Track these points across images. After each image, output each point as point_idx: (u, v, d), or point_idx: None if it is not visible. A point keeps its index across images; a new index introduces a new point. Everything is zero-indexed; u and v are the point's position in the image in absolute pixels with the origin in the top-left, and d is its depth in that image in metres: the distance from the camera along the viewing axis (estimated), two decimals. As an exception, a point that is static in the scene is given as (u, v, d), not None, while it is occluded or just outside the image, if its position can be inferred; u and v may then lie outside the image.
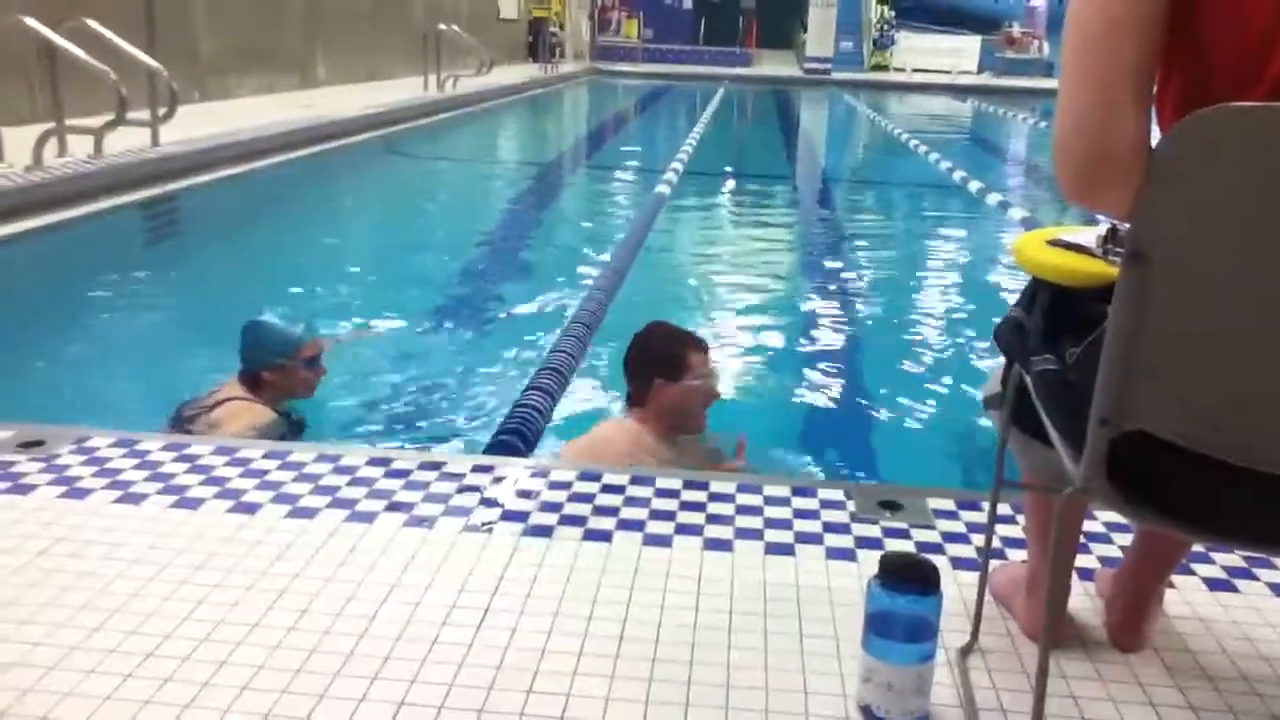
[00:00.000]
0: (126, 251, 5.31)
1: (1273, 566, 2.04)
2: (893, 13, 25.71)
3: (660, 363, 2.84)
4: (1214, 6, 1.19)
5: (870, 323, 4.46)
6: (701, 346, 2.94)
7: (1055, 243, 1.50)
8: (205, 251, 5.04)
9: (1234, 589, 1.97)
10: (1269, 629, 1.84)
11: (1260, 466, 1.20)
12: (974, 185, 8.27)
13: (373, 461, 2.39)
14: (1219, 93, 1.18)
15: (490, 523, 2.12)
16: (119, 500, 2.17)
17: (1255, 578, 2.01)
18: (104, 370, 3.67)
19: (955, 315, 4.51)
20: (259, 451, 2.43)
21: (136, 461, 2.35)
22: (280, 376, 3.10)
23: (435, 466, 2.37)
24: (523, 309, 4.49)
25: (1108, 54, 1.21)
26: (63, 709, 1.50)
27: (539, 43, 21.26)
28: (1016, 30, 27.41)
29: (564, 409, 3.33)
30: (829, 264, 5.49)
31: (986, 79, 24.22)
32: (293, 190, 7.43)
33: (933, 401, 3.43)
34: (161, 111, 6.78)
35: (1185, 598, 1.93)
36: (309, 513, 2.14)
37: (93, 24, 6.65)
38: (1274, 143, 1.09)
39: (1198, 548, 2.03)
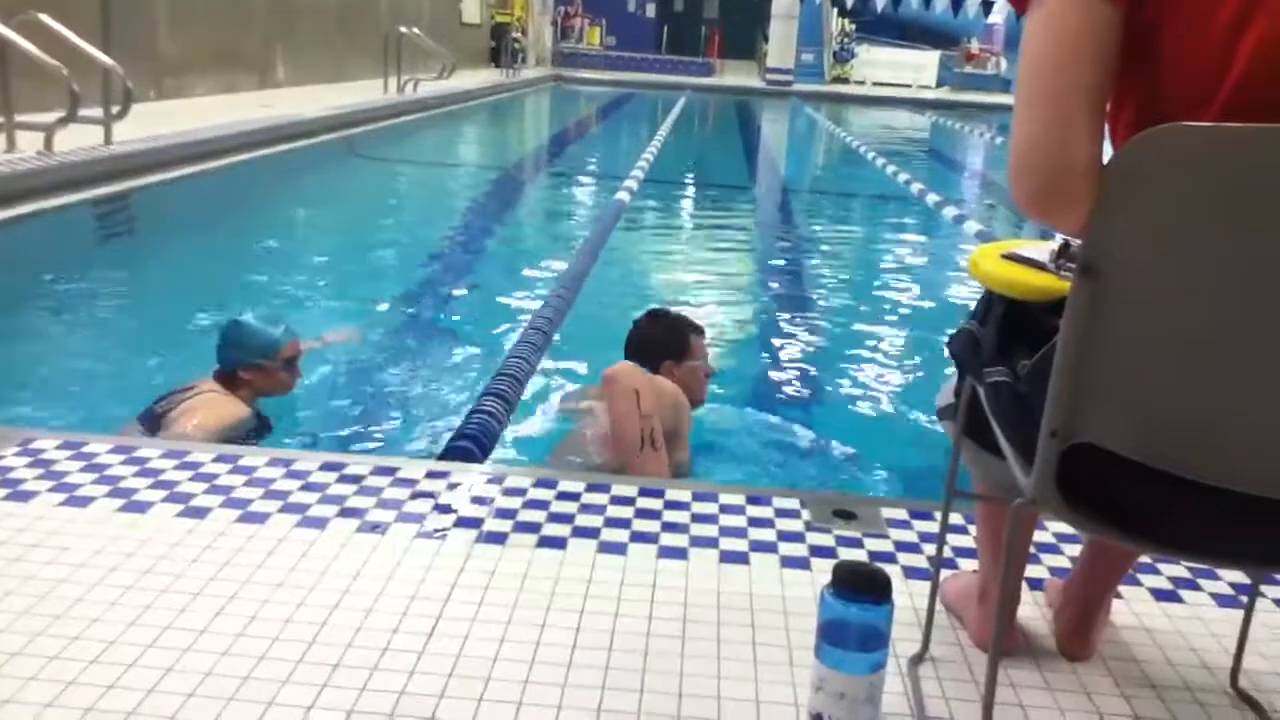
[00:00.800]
0: (75, 250, 5.22)
1: (1216, 578, 2.08)
2: (853, 26, 25.96)
3: (667, 348, 3.16)
4: (1170, 34, 1.22)
5: (826, 332, 4.49)
6: (700, 330, 3.29)
7: (1010, 256, 1.51)
8: (155, 252, 4.97)
9: (1179, 600, 2.00)
10: (1212, 639, 1.87)
11: (1207, 480, 1.22)
12: (931, 198, 8.36)
13: (325, 466, 2.36)
14: (1171, 113, 1.20)
15: (444, 529, 2.11)
16: (65, 503, 2.13)
17: (1199, 589, 2.04)
18: (51, 371, 3.61)
19: (910, 326, 4.55)
20: (209, 455, 2.40)
21: (83, 464, 2.31)
22: (258, 376, 3.12)
23: (389, 472, 2.35)
24: (479, 314, 4.47)
25: (1062, 75, 1.23)
26: (3, 715, 1.47)
27: (501, 48, 21.21)
28: (975, 46, 27.79)
29: (520, 416, 3.31)
30: (786, 273, 5.52)
31: (945, 94, 24.53)
32: (248, 191, 7.35)
33: (887, 412, 3.45)
34: (115, 109, 6.68)
35: (1132, 608, 1.95)
36: (259, 518, 2.11)
37: (45, 19, 6.54)
38: (1223, 162, 1.12)
39: (1145, 559, 2.06)
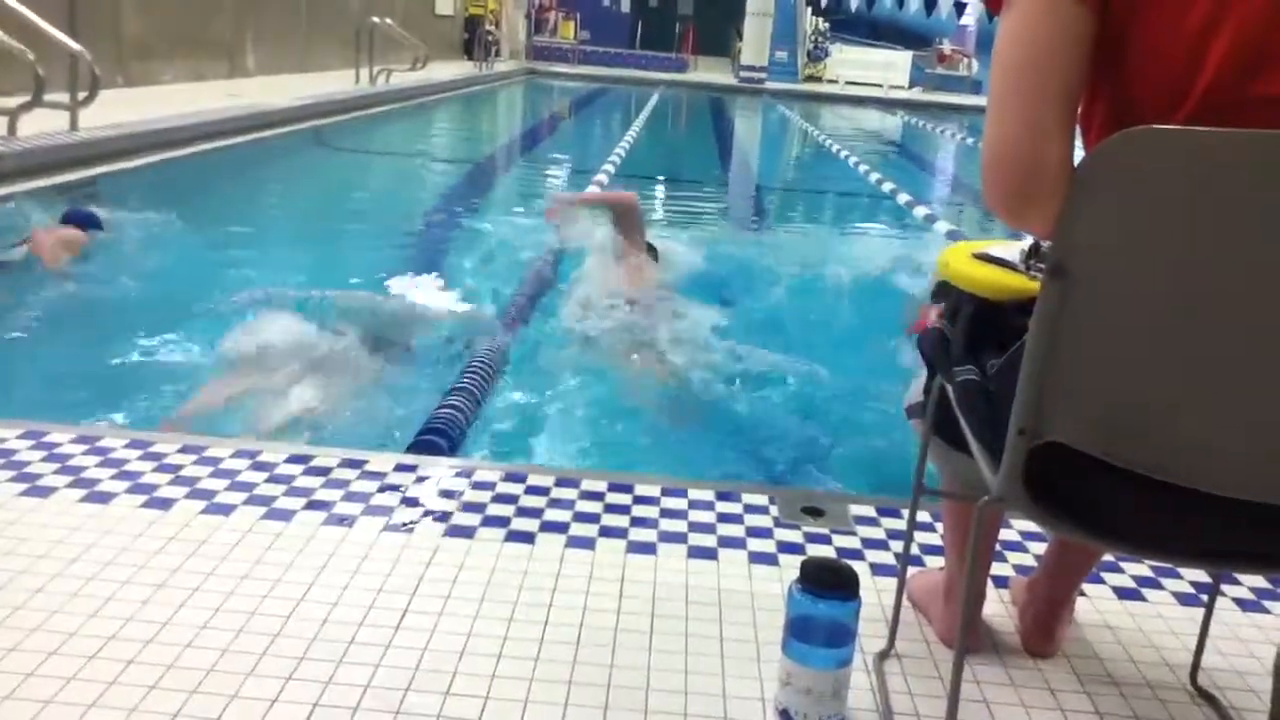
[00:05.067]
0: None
1: (1179, 577, 2.10)
2: (827, 25, 26.04)
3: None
4: (1140, 36, 1.23)
5: (796, 329, 4.49)
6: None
7: (980, 256, 1.52)
8: (118, 240, 4.91)
9: (1142, 598, 2.02)
10: (1173, 637, 1.89)
11: (1172, 479, 1.23)
12: (902, 197, 8.40)
13: (292, 459, 2.34)
14: (1143, 114, 1.21)
15: (411, 522, 2.10)
16: (24, 494, 2.10)
17: (1162, 587, 2.06)
18: (14, 358, 3.55)
19: (879, 323, 4.57)
20: (174, 446, 2.37)
21: (44, 454, 2.28)
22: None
23: (357, 464, 2.34)
24: (448, 307, 4.45)
25: (1033, 77, 1.24)
26: (-42, 708, 1.45)
27: (475, 40, 21.12)
28: (947, 47, 27.94)
29: (488, 409, 3.30)
30: (756, 269, 5.53)
31: (917, 94, 24.65)
32: (215, 181, 7.27)
33: (856, 408, 3.47)
34: (82, 95, 6.59)
35: (1096, 606, 1.97)
36: (224, 509, 2.09)
37: (10, 1, 6.44)
38: (1192, 165, 1.13)
39: (1108, 557, 2.09)
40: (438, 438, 2.84)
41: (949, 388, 1.49)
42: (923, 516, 2.19)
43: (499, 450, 3.10)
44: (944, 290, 1.57)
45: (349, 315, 3.89)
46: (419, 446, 2.77)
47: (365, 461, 2.36)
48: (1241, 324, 1.16)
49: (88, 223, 4.81)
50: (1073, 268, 1.19)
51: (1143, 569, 2.12)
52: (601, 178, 7.96)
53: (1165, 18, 1.21)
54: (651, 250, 4.86)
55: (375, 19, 13.40)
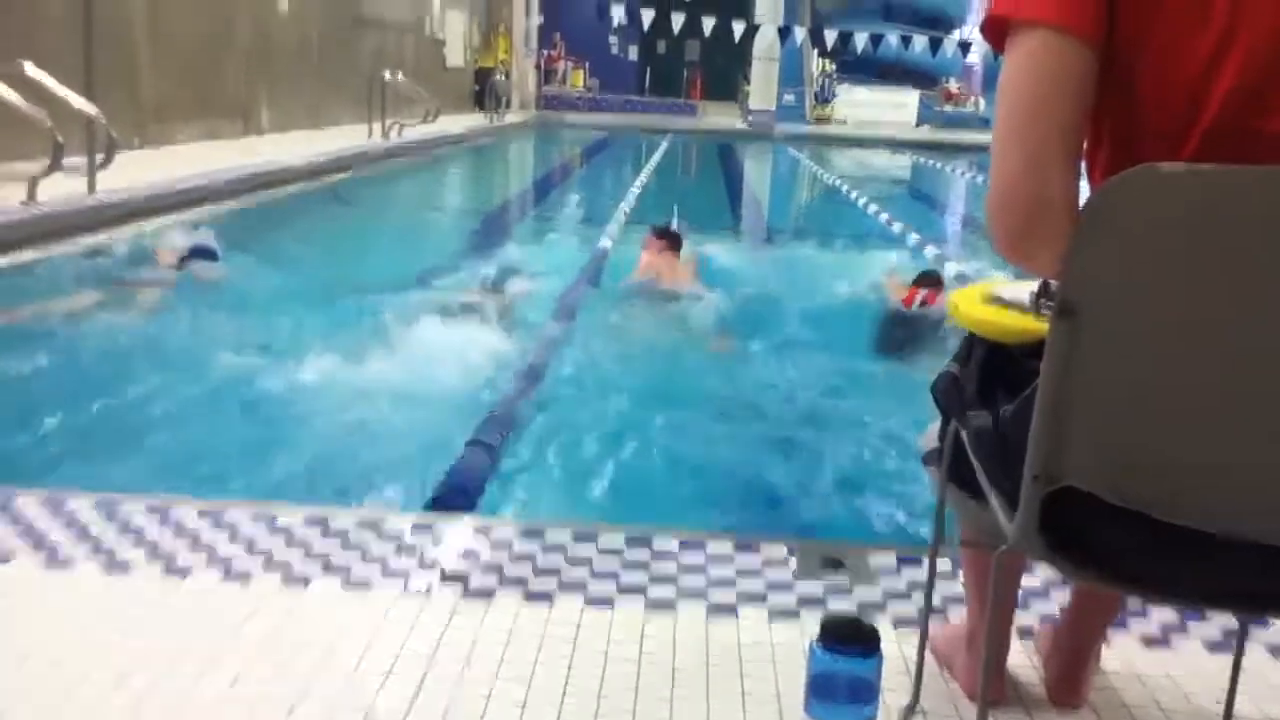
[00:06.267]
0: (61, 300, 5.19)
1: (1206, 622, 2.07)
2: (834, 67, 26.22)
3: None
4: (1144, 74, 1.23)
5: (810, 374, 4.49)
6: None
7: (990, 299, 1.52)
8: (138, 301, 4.96)
9: (1169, 646, 1.99)
10: (1203, 685, 1.86)
11: (1190, 523, 1.22)
12: (913, 238, 8.40)
13: (310, 521, 2.34)
14: (1149, 150, 1.22)
15: (429, 585, 2.09)
16: (45, 565, 2.10)
17: (1189, 634, 2.03)
18: (43, 422, 3.55)
19: (893, 367, 4.56)
20: (192, 510, 2.37)
21: (63, 522, 2.28)
22: None
23: (374, 525, 2.33)
24: (466, 359, 4.46)
25: (1038, 115, 1.25)
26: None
27: (485, 91, 21.34)
28: (953, 86, 28.08)
29: (507, 463, 3.29)
30: (769, 316, 5.53)
31: (925, 133, 24.74)
32: (233, 239, 7.34)
33: (875, 454, 3.45)
34: (99, 158, 6.69)
35: (1121, 654, 1.94)
36: (242, 576, 2.09)
37: (29, 67, 6.55)
38: (1196, 204, 1.13)
39: (1134, 604, 2.06)
40: (456, 494, 2.84)
41: (963, 433, 1.48)
42: (945, 565, 2.17)
43: (518, 500, 3.09)
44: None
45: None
46: (437, 504, 2.76)
47: (382, 521, 2.36)
48: (1250, 363, 1.15)
49: (208, 255, 5.64)
50: (1080, 307, 1.18)
51: (1169, 615, 2.09)
52: (613, 227, 8.00)
53: (1168, 55, 1.21)
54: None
55: (387, 73, 13.58)
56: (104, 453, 3.27)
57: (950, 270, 6.85)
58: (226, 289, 5.33)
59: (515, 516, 2.89)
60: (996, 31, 1.27)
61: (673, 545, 2.30)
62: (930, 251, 7.86)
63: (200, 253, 5.62)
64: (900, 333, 5.17)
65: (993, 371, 1.46)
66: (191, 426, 3.56)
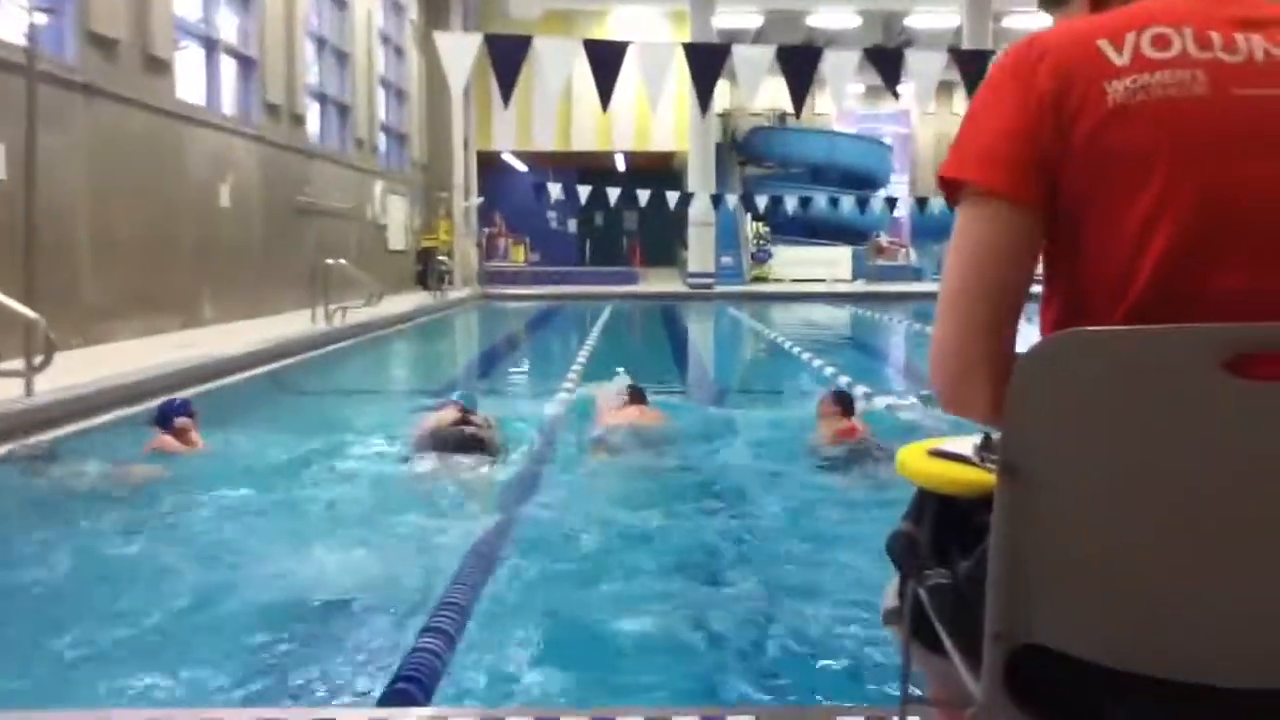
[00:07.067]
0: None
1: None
2: (767, 229, 27.09)
3: None
4: (1086, 234, 1.28)
5: (767, 534, 4.46)
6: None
7: (936, 453, 1.53)
8: (82, 505, 4.84)
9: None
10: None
11: (1155, 673, 1.20)
12: (860, 389, 8.52)
13: (257, 725, 2.24)
14: (1090, 308, 1.26)
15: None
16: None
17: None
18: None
19: (852, 520, 4.54)
20: (139, 718, 2.26)
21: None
22: None
23: (325, 725, 2.23)
24: (417, 542, 4.37)
25: (967, 283, 1.30)
26: None
27: (428, 271, 21.68)
28: (884, 240, 29.14)
29: (463, 652, 3.18)
30: (719, 475, 5.53)
31: (861, 285, 25.47)
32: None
33: (836, 616, 3.40)
34: (38, 360, 6.63)
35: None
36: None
37: (-34, 277, 6.55)
38: (1114, 365, 1.16)
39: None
40: (411, 685, 2.73)
41: (921, 591, 1.46)
42: (916, 725, 2.11)
43: (476, 689, 2.98)
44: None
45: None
46: (391, 697, 2.65)
47: (334, 721, 2.26)
48: (1193, 513, 1.17)
49: (183, 410, 5.96)
50: (1023, 466, 1.20)
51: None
52: (563, 395, 8.04)
53: (1108, 216, 1.26)
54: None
55: (329, 260, 13.76)
56: (34, 663, 3.12)
57: (902, 419, 6.94)
58: (158, 486, 5.22)
59: (473, 703, 2.79)
60: (947, 190, 1.33)
61: (638, 724, 2.22)
62: (880, 402, 7.96)
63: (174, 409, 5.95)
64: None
65: (946, 527, 1.46)
66: (129, 629, 3.42)
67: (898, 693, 1.67)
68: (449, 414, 6.05)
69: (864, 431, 6.02)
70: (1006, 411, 1.20)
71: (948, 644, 1.39)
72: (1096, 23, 1.33)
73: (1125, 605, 1.20)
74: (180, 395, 6.39)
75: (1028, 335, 1.27)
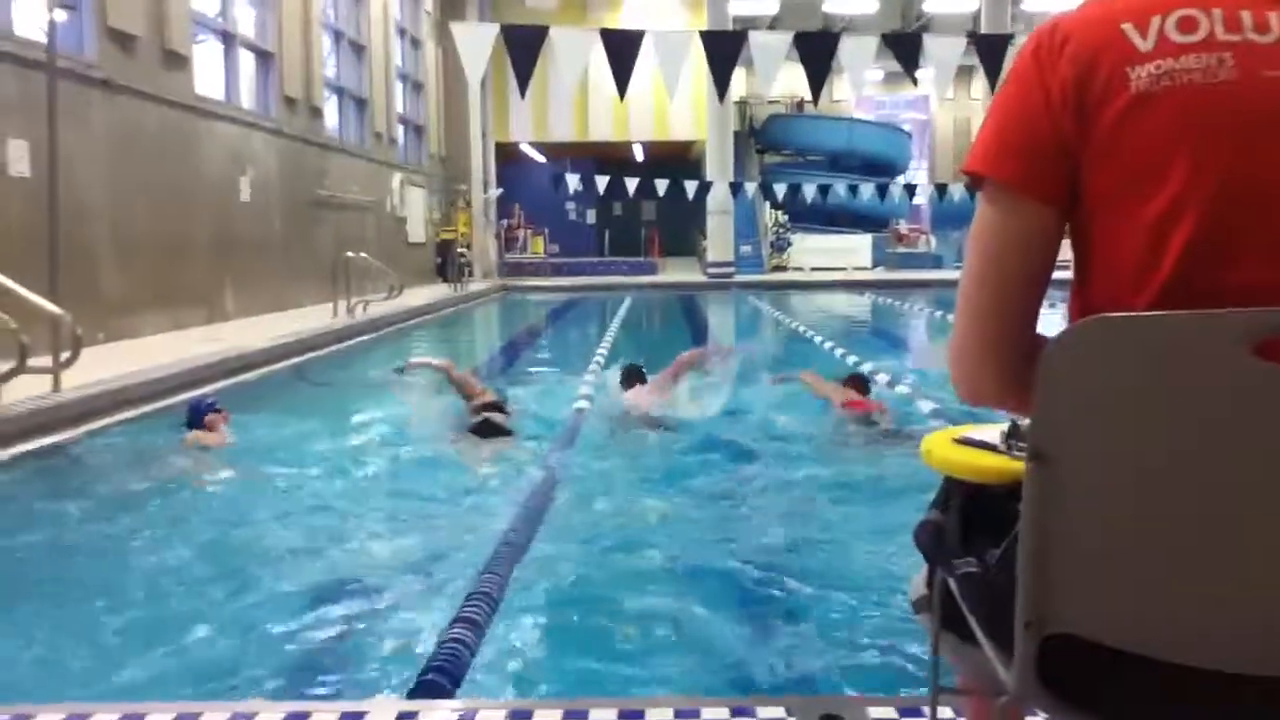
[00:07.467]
0: (29, 501, 5.11)
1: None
2: (786, 217, 26.99)
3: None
4: (1105, 227, 1.28)
5: (794, 523, 4.46)
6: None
7: (962, 441, 1.53)
8: (112, 501, 4.89)
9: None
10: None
11: (1189, 662, 1.20)
12: (881, 377, 8.49)
13: (290, 717, 2.26)
14: (1116, 302, 1.25)
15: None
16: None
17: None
18: (34, 636, 3.43)
19: (880, 510, 4.53)
20: (166, 716, 2.28)
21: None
22: None
23: (357, 717, 2.25)
24: (446, 533, 4.39)
25: (985, 276, 1.30)
26: None
27: (448, 263, 21.73)
28: (904, 227, 28.97)
29: (493, 641, 3.20)
30: (745, 466, 5.53)
31: (880, 273, 25.37)
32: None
33: (864, 605, 3.40)
34: (64, 356, 6.69)
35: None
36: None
37: (-8, 272, 6.60)
38: (1140, 350, 1.16)
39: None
40: (440, 677, 2.75)
41: (950, 581, 1.46)
42: (945, 714, 2.12)
43: (505, 678, 3.00)
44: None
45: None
46: (421, 689, 2.67)
47: (365, 714, 2.28)
48: (1223, 498, 1.16)
49: (211, 408, 6.18)
50: (1051, 452, 1.20)
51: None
52: (587, 389, 8.05)
53: (1130, 207, 1.24)
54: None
55: (350, 253, 13.81)
56: (71, 658, 3.16)
57: (924, 408, 6.92)
58: (191, 479, 5.26)
59: (502, 695, 2.81)
60: (973, 182, 1.33)
61: (668, 715, 2.23)
62: (901, 390, 7.93)
63: (205, 408, 6.15)
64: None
65: (974, 516, 1.46)
66: (162, 623, 3.46)
67: (928, 682, 1.68)
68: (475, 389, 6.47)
69: (878, 409, 6.03)
70: (1036, 398, 1.20)
71: (978, 633, 1.39)
72: (1122, 4, 1.30)
73: (1155, 592, 1.20)
74: (207, 390, 6.47)
75: (1052, 323, 1.27)
